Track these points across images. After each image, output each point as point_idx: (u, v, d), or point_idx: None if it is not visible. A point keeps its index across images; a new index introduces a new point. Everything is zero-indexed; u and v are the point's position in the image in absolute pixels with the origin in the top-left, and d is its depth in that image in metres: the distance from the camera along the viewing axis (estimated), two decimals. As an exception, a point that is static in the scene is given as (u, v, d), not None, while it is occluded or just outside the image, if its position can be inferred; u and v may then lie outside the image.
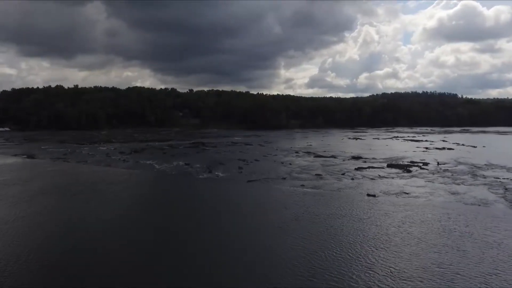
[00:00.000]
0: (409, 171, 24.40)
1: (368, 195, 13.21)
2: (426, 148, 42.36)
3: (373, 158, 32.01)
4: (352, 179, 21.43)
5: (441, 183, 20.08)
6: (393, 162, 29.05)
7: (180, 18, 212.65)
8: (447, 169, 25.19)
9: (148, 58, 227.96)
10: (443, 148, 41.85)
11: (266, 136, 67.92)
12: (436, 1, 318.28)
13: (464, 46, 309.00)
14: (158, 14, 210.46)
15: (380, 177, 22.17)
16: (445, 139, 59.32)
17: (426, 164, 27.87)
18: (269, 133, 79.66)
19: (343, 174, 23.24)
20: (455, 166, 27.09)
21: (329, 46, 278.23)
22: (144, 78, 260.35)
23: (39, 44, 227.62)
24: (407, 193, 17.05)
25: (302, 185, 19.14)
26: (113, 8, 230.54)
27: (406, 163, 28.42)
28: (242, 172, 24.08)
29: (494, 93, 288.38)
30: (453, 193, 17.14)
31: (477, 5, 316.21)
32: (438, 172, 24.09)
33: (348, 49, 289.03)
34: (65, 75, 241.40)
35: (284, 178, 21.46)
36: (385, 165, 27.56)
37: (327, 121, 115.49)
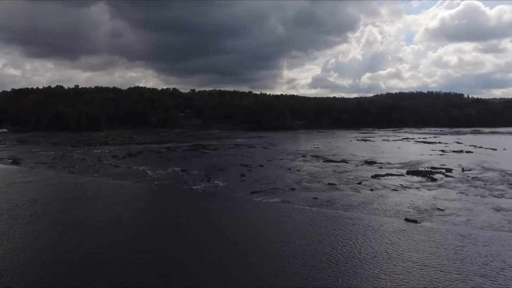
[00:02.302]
0: (434, 180, 21.58)
1: (407, 220, 10.36)
2: (442, 151, 39.49)
3: (388, 163, 29.23)
4: (372, 189, 18.64)
5: (476, 195, 17.26)
6: (412, 168, 26.25)
7: (183, 19, 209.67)
8: (476, 177, 22.36)
9: (151, 58, 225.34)
10: (461, 151, 38.96)
11: (270, 138, 65.20)
12: (439, 1, 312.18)
13: (467, 46, 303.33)
14: (161, 15, 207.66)
15: (402, 187, 19.37)
16: (458, 140, 56.42)
17: (449, 170, 25.04)
18: (273, 134, 76.95)
19: (359, 183, 20.45)
20: (483, 173, 24.25)
21: (332, 46, 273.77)
22: (148, 79, 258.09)
23: (43, 45, 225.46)
24: (442, 210, 14.25)
25: (315, 198, 16.43)
26: (117, 9, 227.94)
27: (427, 169, 25.60)
28: (244, 180, 21.35)
29: (498, 93, 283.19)
30: (498, 210, 14.33)
31: (480, 4, 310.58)
32: (467, 181, 21.26)
33: (351, 49, 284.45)
34: (69, 76, 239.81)
35: (293, 189, 18.71)
36: (404, 171, 24.76)
37: (333, 121, 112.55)
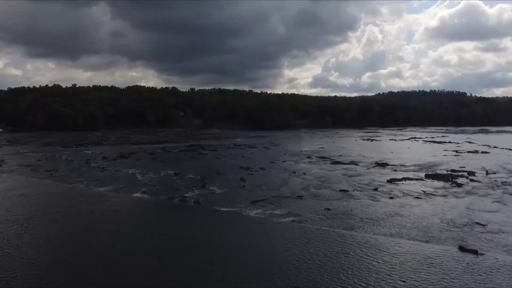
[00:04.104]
0: (459, 185, 19.06)
1: (463, 249, 7.21)
2: (456, 151, 36.88)
3: (402, 165, 26.71)
4: (391, 197, 16.15)
5: (516, 204, 14.74)
6: (430, 171, 23.72)
7: (185, 19, 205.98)
8: (506, 181, 19.84)
9: (152, 58, 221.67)
10: (476, 152, 36.34)
11: (272, 137, 62.67)
12: (440, 0, 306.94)
13: (468, 45, 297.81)
14: (162, 15, 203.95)
15: (426, 194, 16.87)
16: (469, 140, 53.75)
17: (472, 173, 22.50)
18: (275, 134, 74.45)
19: (375, 189, 17.96)
20: (511, 176, 21.74)
21: (332, 45, 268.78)
22: (149, 79, 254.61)
23: (45, 45, 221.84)
24: (483, 225, 11.73)
25: (328, 209, 13.95)
26: (118, 9, 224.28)
27: (447, 173, 23.10)
28: (244, 186, 18.87)
29: (498, 92, 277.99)
30: (552, 225, 11.80)
31: (480, 4, 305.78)
32: (497, 186, 18.74)
33: (352, 49, 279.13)
34: (70, 75, 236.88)
35: (301, 197, 16.22)
36: (422, 175, 22.26)
37: (335, 120, 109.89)
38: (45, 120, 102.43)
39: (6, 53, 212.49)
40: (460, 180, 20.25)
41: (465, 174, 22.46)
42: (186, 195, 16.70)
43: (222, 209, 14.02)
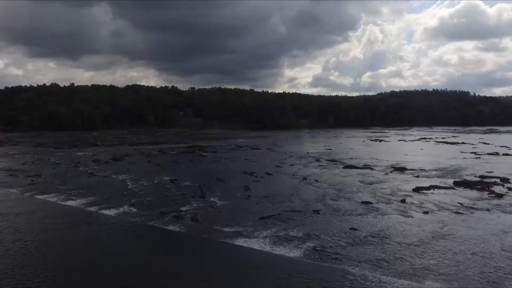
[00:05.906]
0: (498, 195, 16.47)
1: None
2: (475, 153, 34.28)
3: (421, 170, 24.16)
4: (426, 212, 13.57)
5: None
6: (455, 177, 21.20)
7: (185, 19, 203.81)
8: (550, 191, 17.25)
9: (153, 58, 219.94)
10: (497, 154, 33.77)
11: (275, 138, 60.10)
12: (440, 0, 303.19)
13: (467, 44, 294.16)
14: (163, 15, 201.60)
15: (464, 207, 14.29)
16: (484, 141, 51.06)
17: (506, 180, 19.89)
18: (277, 134, 71.87)
19: (402, 200, 15.39)
20: (551, 183, 19.15)
21: (333, 45, 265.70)
22: (149, 78, 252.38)
23: (46, 45, 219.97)
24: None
25: (354, 229, 11.41)
26: (119, 9, 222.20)
27: (477, 179, 20.53)
28: (250, 196, 16.31)
29: (498, 91, 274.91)
30: None
31: (480, 3, 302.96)
32: (544, 196, 16.16)
33: (352, 48, 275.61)
34: (71, 75, 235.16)
35: (318, 211, 13.65)
36: (449, 182, 19.70)
37: (338, 120, 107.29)
38: (41, 119, 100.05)
39: (7, 53, 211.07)
40: (496, 189, 17.66)
41: (498, 181, 19.88)
42: (182, 208, 14.14)
43: (224, 229, 11.47)
